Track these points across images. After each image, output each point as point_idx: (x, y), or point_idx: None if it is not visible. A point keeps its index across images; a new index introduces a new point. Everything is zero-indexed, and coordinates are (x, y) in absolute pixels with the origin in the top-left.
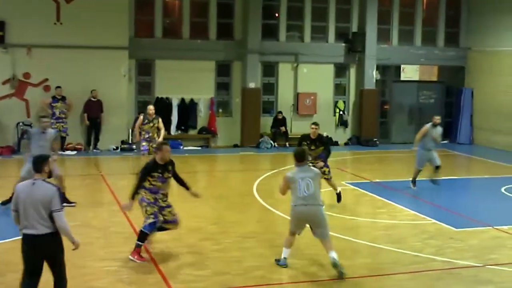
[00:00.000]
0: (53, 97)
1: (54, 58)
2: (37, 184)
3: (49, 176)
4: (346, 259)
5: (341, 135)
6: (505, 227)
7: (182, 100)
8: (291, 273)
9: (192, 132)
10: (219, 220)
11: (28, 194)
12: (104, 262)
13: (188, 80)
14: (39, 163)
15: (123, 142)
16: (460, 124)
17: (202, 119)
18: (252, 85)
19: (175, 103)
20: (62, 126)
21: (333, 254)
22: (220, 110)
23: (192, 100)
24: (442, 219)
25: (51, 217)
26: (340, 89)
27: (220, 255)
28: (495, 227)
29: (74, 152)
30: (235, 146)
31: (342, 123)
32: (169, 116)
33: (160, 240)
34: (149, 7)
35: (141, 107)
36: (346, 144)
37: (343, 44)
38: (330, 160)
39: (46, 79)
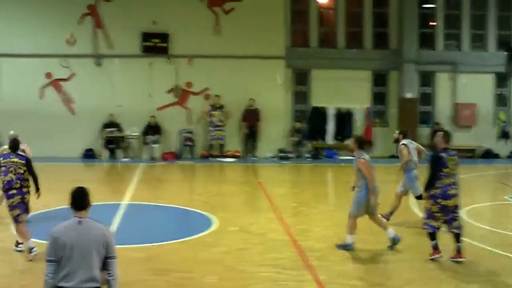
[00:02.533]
0: (212, 106)
1: (213, 67)
2: (87, 224)
3: None
4: (506, 277)
5: (503, 148)
6: None
7: (338, 109)
8: (447, 287)
9: (348, 142)
10: (374, 229)
11: (78, 236)
12: (261, 267)
13: (343, 89)
14: (84, 197)
15: (280, 151)
16: None
17: (358, 128)
18: (409, 95)
19: (331, 112)
20: (220, 134)
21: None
22: (377, 120)
23: (347, 109)
24: None
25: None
26: (501, 100)
27: (376, 266)
28: None
29: (233, 160)
30: (392, 156)
31: (504, 135)
32: (325, 126)
33: (316, 248)
34: (304, 17)
35: (298, 116)
36: (508, 157)
37: (504, 53)
38: (491, 174)
39: (207, 88)
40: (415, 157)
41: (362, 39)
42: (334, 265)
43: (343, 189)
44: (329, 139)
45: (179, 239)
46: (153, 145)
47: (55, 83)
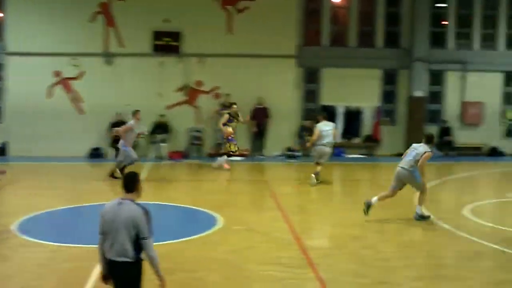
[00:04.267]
0: (222, 105)
1: (224, 66)
2: (124, 205)
3: None
4: (510, 274)
5: (509, 145)
6: None
7: (347, 108)
8: (452, 285)
9: (356, 140)
10: (379, 227)
11: (114, 214)
12: (265, 266)
13: (353, 88)
14: (130, 182)
15: (288, 149)
16: None
17: (366, 127)
18: (418, 93)
19: (340, 110)
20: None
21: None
22: (386, 119)
23: (357, 108)
24: None
25: (135, 245)
26: (509, 98)
27: (381, 264)
28: None
29: (240, 158)
30: (399, 155)
31: (510, 133)
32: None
33: (320, 246)
34: (316, 16)
35: (308, 115)
36: None
37: None
38: (496, 171)
39: (217, 87)
40: None
41: (373, 37)
42: (338, 263)
43: (349, 188)
44: (337, 137)
45: (184, 238)
46: (161, 144)
47: (65, 82)
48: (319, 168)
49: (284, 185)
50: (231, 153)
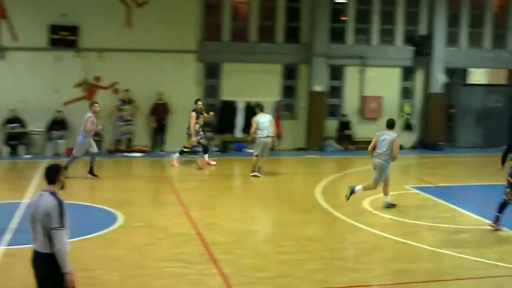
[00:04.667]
0: (121, 100)
1: (124, 61)
2: (43, 196)
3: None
4: (407, 264)
5: (407, 139)
6: None
7: (248, 103)
8: (352, 276)
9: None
10: (280, 222)
11: (35, 206)
12: (166, 262)
13: (254, 83)
14: (50, 173)
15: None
16: None
17: None
18: (318, 88)
19: (240, 106)
20: (129, 128)
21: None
22: (286, 113)
23: (257, 103)
24: (507, 224)
25: (49, 236)
26: (406, 93)
27: (281, 258)
28: None
29: (141, 154)
30: (300, 149)
31: (408, 126)
32: (235, 119)
33: (221, 242)
34: (217, 11)
35: (208, 110)
36: (412, 147)
37: (411, 47)
38: (394, 164)
39: (116, 82)
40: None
41: (274, 33)
42: (240, 258)
43: (249, 183)
44: (238, 132)
45: (82, 236)
46: (59, 141)
47: None
48: (261, 161)
49: (185, 180)
50: (184, 149)
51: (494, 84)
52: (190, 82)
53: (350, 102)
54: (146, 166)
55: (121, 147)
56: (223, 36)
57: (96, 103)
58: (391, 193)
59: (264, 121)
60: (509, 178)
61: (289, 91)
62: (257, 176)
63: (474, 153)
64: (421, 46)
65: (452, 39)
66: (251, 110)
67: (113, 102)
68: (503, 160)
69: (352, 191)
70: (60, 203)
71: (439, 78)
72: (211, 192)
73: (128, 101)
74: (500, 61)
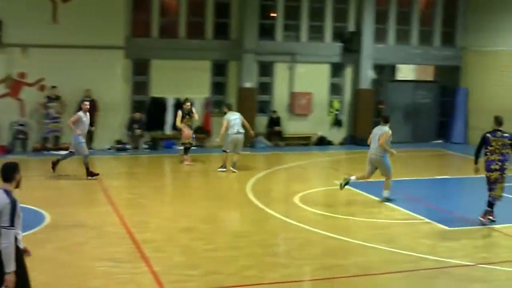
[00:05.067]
0: (48, 97)
1: (49, 57)
2: None
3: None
4: (338, 259)
5: (336, 135)
6: (497, 226)
7: (177, 99)
8: (284, 272)
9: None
10: (211, 219)
11: None
12: (97, 262)
13: (183, 79)
14: (5, 171)
15: (118, 142)
16: (454, 124)
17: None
18: (247, 84)
19: (170, 102)
20: (57, 126)
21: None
22: (216, 110)
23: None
24: (435, 218)
25: None
26: (335, 89)
27: (213, 255)
28: (487, 226)
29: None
30: None
31: (337, 122)
32: (164, 116)
33: (152, 240)
34: (145, 7)
35: (137, 107)
36: (341, 143)
37: (340, 44)
38: (324, 160)
39: (42, 79)
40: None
41: (203, 29)
42: (171, 256)
43: (180, 180)
44: (168, 129)
45: None
46: None
47: None
48: (236, 157)
49: (114, 178)
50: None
51: (421, 80)
52: (118, 78)
53: (279, 98)
54: (73, 164)
55: (48, 145)
56: (151, 32)
57: (87, 101)
58: (321, 188)
59: (234, 118)
60: (488, 173)
61: (218, 87)
62: (234, 172)
63: (403, 148)
64: (350, 43)
65: (380, 36)
66: (181, 107)
67: (39, 99)
68: (477, 158)
69: (347, 182)
70: (13, 202)
71: (368, 74)
72: (142, 190)
73: (55, 98)
74: (427, 57)
